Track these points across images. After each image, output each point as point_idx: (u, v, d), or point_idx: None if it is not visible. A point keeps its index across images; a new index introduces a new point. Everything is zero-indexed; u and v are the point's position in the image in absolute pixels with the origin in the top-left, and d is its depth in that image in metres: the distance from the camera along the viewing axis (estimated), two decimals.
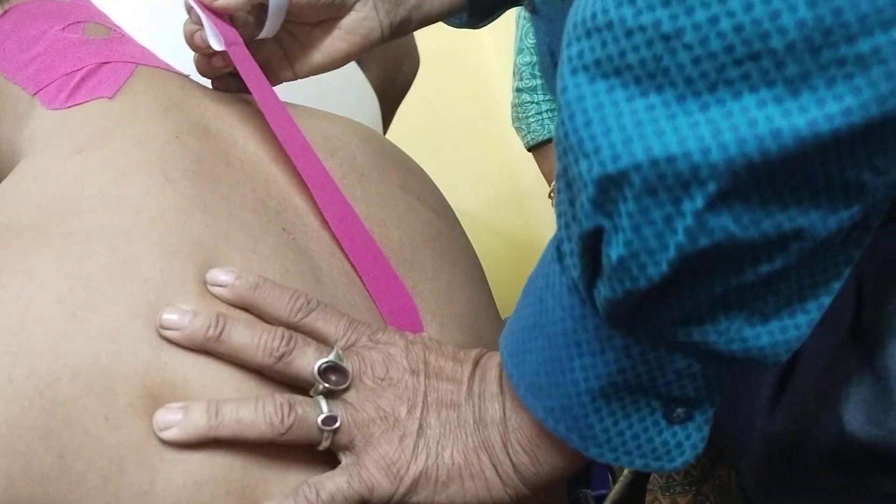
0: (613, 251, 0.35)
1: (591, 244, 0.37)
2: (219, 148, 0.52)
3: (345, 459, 0.44)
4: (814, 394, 0.48)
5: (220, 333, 0.43)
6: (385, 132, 1.29)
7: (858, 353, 0.47)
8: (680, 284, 0.35)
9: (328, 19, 0.60)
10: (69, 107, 0.50)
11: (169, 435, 0.41)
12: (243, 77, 0.54)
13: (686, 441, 0.41)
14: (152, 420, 0.41)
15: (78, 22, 0.54)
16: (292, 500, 0.43)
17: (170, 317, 0.42)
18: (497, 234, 1.66)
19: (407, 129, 1.32)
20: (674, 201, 0.33)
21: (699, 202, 0.33)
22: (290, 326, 0.45)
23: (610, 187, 0.34)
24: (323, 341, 0.46)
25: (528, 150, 1.36)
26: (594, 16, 0.33)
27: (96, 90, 0.51)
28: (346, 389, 0.44)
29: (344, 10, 0.60)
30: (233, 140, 0.53)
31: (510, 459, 0.44)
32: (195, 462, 0.41)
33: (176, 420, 0.41)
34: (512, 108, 1.36)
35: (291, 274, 0.48)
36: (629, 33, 0.32)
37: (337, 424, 0.43)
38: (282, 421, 0.42)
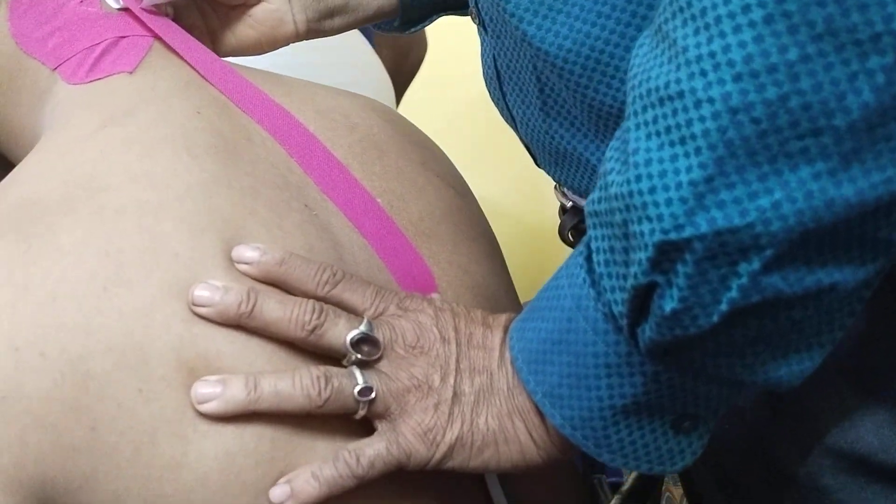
0: (667, 304, 0.38)
1: (643, 294, 0.39)
2: (239, 123, 0.51)
3: (381, 426, 0.45)
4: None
5: (252, 309, 0.43)
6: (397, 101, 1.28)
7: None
8: (723, 331, 0.38)
9: (241, 4, 0.60)
10: (90, 81, 0.50)
11: (208, 408, 0.41)
12: (159, 32, 0.53)
13: (688, 448, 0.44)
14: (190, 393, 0.41)
15: None
16: (332, 466, 0.43)
17: (201, 293, 0.42)
18: (512, 219, 1.65)
19: (421, 114, 1.31)
20: (731, 263, 0.36)
21: (755, 265, 0.36)
22: (318, 299, 0.45)
23: (670, 251, 0.36)
24: (352, 312, 0.46)
25: None
26: (667, 84, 0.35)
27: (117, 64, 0.50)
28: (379, 359, 0.44)
29: None
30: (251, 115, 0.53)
31: (544, 424, 0.45)
32: (227, 433, 0.42)
33: (216, 393, 0.41)
34: None
35: (316, 250, 0.47)
36: (698, 104, 0.34)
37: (373, 395, 0.43)
38: (319, 394, 0.42)
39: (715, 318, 0.37)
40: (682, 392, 0.41)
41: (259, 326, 0.43)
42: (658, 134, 0.36)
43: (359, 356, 0.44)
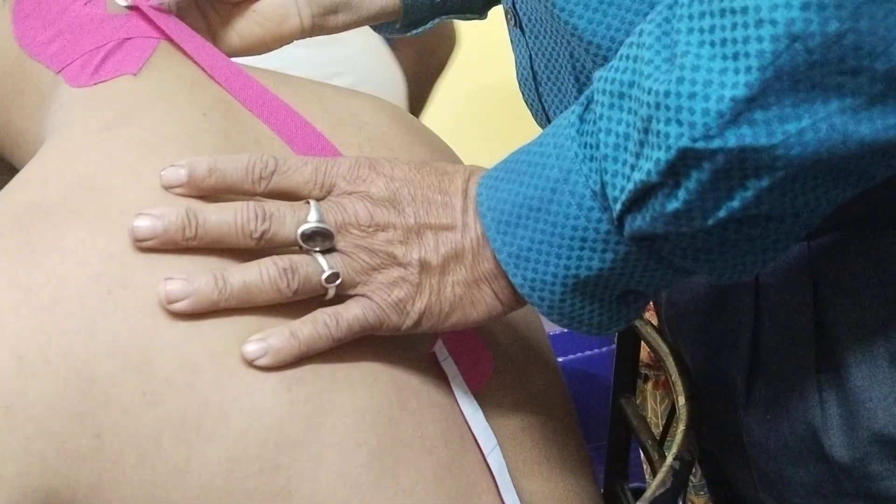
0: (670, 204, 0.39)
1: (647, 189, 0.40)
2: (246, 123, 0.51)
3: (354, 297, 0.45)
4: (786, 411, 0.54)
5: (196, 228, 0.42)
6: (419, 113, 1.27)
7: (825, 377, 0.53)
8: (708, 232, 0.41)
9: (246, 1, 0.60)
10: (94, 84, 0.49)
11: (179, 307, 0.41)
12: (167, 31, 0.52)
13: (624, 317, 0.47)
14: (158, 290, 0.41)
15: None
16: (311, 326, 0.43)
17: (141, 223, 0.41)
18: None
19: (443, 113, 1.31)
20: (743, 178, 0.37)
21: (764, 183, 0.38)
22: (260, 196, 0.44)
23: (692, 158, 0.37)
24: (296, 198, 0.45)
25: None
26: None
27: (121, 67, 0.50)
28: (337, 241, 0.44)
29: None
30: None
31: (510, 285, 0.45)
32: (230, 438, 0.41)
33: (185, 289, 0.41)
34: None
35: None
36: (759, 23, 0.35)
37: (339, 280, 0.44)
38: (287, 285, 0.43)
39: (710, 222, 0.39)
40: (641, 272, 0.44)
41: (209, 243, 0.42)
42: (712, 44, 0.36)
43: (315, 248, 0.44)
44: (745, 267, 0.43)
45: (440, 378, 0.50)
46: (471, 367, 0.51)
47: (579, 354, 1.10)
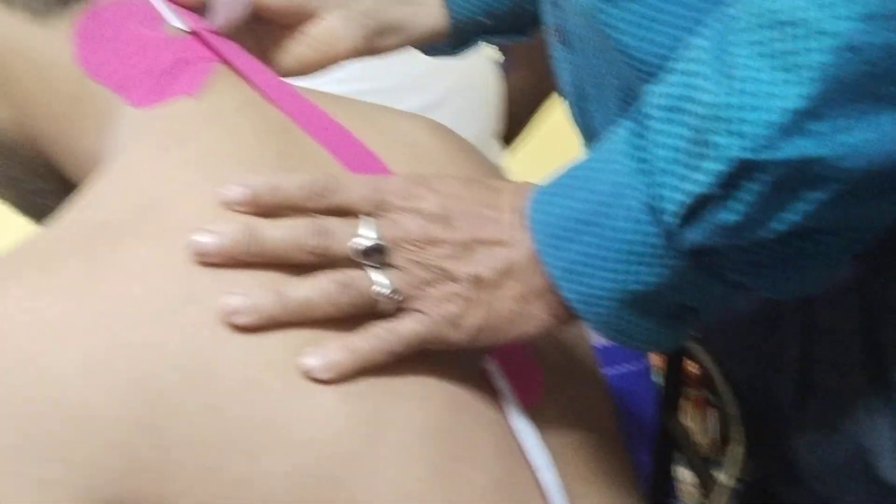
0: (728, 217, 0.39)
1: (703, 201, 0.40)
2: (300, 143, 0.51)
3: (409, 311, 0.45)
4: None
5: (255, 242, 0.43)
6: (517, 135, 1.26)
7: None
8: (767, 246, 0.40)
9: (297, 23, 0.61)
10: (154, 104, 0.50)
11: (240, 320, 0.41)
12: (224, 54, 0.53)
13: (678, 334, 0.47)
14: (218, 306, 0.41)
15: (159, 20, 0.54)
16: (366, 340, 0.44)
17: (202, 239, 0.42)
18: None
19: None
20: (802, 189, 0.38)
21: (823, 195, 0.38)
22: (315, 212, 0.45)
23: (749, 169, 0.37)
24: (350, 214, 0.45)
25: None
26: (789, 9, 0.36)
27: (180, 88, 0.51)
28: (391, 256, 0.45)
29: (310, 16, 0.60)
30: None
31: (562, 300, 0.45)
32: (291, 451, 0.41)
33: (244, 304, 0.41)
34: None
35: None
36: (818, 35, 0.35)
37: (394, 295, 0.44)
38: (344, 300, 0.44)
39: (768, 235, 0.39)
40: (696, 288, 0.43)
41: (267, 258, 0.43)
42: (769, 56, 0.37)
43: (370, 264, 0.44)
44: (801, 283, 0.43)
45: (491, 394, 0.50)
46: (521, 383, 0.51)
47: (613, 369, 1.10)
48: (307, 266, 0.44)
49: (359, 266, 0.45)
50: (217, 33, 0.55)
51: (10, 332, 0.40)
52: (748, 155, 0.37)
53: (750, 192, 0.38)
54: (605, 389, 0.60)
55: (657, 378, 1.13)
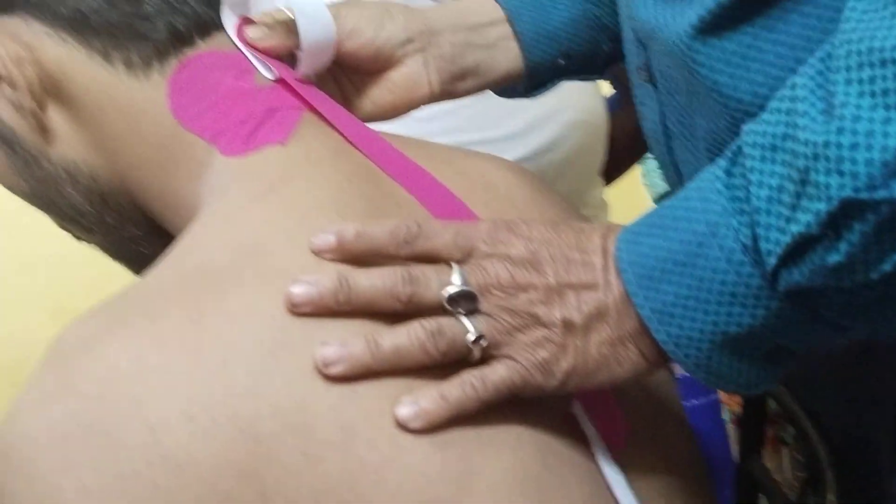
0: (832, 257, 0.38)
1: (805, 241, 0.39)
2: (386, 189, 0.52)
3: (500, 358, 0.45)
4: None
5: (347, 291, 0.44)
6: (615, 178, 1.26)
7: None
8: (871, 287, 0.39)
9: (377, 69, 0.61)
10: (246, 153, 0.52)
11: (335, 371, 0.42)
12: (311, 101, 0.55)
13: (773, 375, 0.45)
14: (314, 356, 0.42)
15: (248, 71, 0.55)
16: (459, 388, 0.44)
17: (299, 290, 0.43)
18: None
19: None
20: None
21: None
22: (403, 259, 0.46)
23: (854, 209, 0.37)
24: (437, 261, 0.46)
25: (655, 202, 1.42)
26: (886, 48, 0.36)
27: (270, 136, 0.52)
28: (481, 303, 0.45)
29: (391, 62, 0.61)
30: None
31: (654, 343, 0.45)
32: (385, 499, 0.41)
33: (340, 355, 0.42)
34: (642, 162, 1.39)
35: None
36: None
37: (484, 342, 0.45)
38: (435, 348, 0.44)
39: (873, 276, 0.38)
40: (794, 329, 0.43)
41: (359, 307, 0.44)
42: (873, 94, 0.36)
43: (460, 311, 0.45)
44: None
45: (580, 439, 0.50)
46: (606, 426, 0.51)
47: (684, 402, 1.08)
48: (398, 316, 0.45)
49: (448, 313, 0.45)
50: (303, 81, 0.56)
51: (116, 380, 0.41)
52: (853, 194, 0.37)
53: (854, 232, 0.38)
54: (689, 431, 0.59)
55: (725, 415, 1.11)
